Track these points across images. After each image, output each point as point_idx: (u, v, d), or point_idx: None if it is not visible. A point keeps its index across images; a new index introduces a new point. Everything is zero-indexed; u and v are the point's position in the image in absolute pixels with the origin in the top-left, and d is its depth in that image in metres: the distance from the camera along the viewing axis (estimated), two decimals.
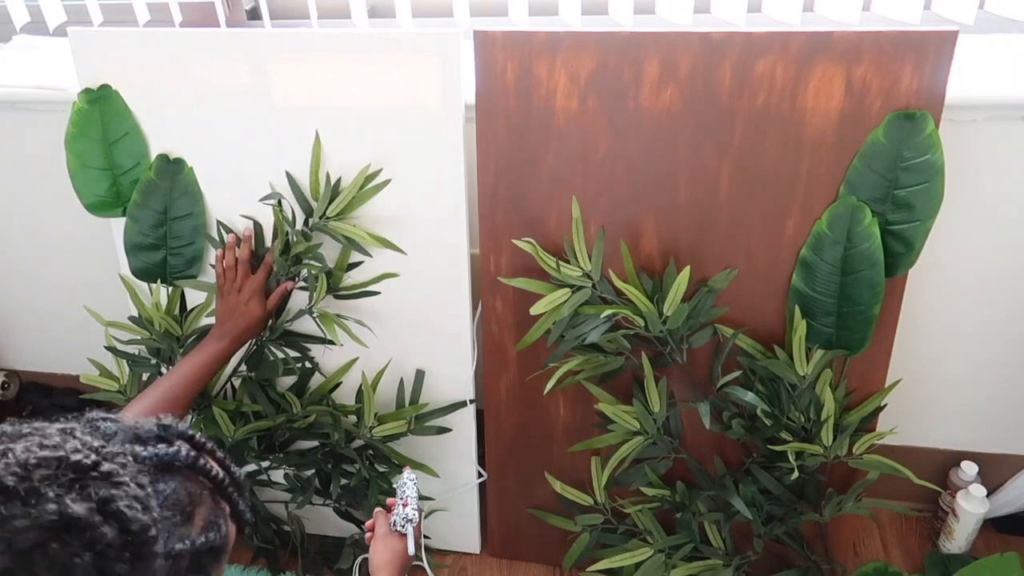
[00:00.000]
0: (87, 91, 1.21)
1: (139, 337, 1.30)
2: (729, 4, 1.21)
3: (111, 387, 1.32)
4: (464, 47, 1.07)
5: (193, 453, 0.62)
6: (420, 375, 1.31)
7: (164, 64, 1.17)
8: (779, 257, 1.13)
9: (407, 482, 1.10)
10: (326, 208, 1.17)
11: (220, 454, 0.66)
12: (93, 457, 0.54)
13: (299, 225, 1.20)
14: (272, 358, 1.28)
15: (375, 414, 1.29)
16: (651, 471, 1.25)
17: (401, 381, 1.31)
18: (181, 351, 1.30)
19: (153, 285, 1.30)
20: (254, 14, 1.54)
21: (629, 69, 1.06)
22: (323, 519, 1.49)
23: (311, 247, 1.18)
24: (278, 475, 1.39)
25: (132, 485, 0.55)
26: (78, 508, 0.51)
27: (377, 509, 1.10)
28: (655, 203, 1.13)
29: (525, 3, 1.27)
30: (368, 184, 1.16)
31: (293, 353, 1.30)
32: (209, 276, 1.29)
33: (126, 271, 1.31)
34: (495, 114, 1.12)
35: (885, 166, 1.04)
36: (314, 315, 1.24)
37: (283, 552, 1.45)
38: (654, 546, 1.26)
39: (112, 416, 0.62)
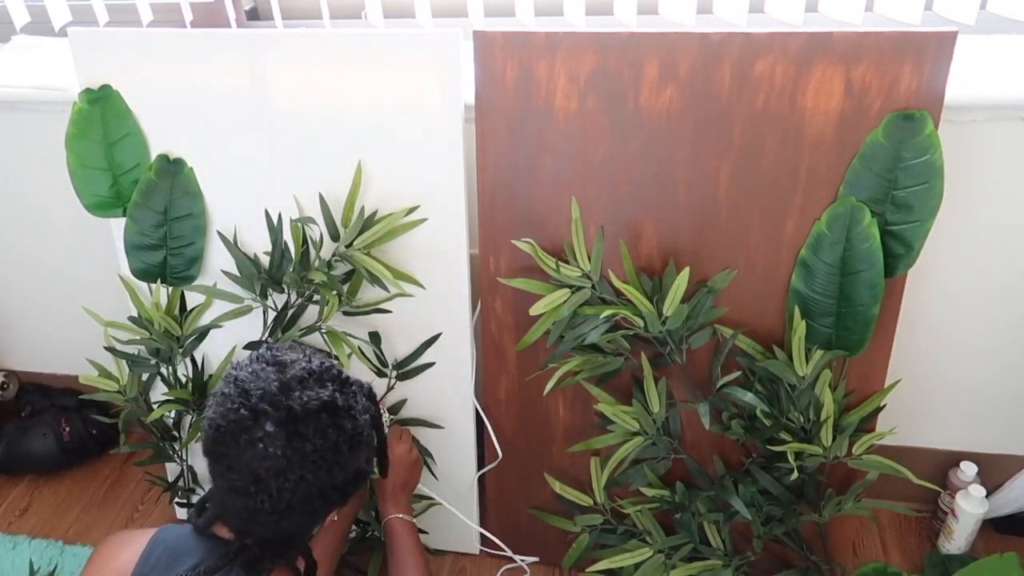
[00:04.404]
0: (88, 91, 1.21)
1: (138, 337, 1.30)
2: (731, 4, 1.21)
3: (110, 387, 1.32)
4: (464, 47, 1.07)
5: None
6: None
7: (164, 64, 1.17)
8: (778, 257, 1.13)
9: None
10: (354, 238, 1.16)
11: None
12: (347, 376, 0.96)
13: (323, 247, 1.19)
14: None
15: None
16: (651, 471, 1.25)
17: None
18: (180, 351, 1.30)
19: (153, 285, 1.30)
20: (254, 14, 1.54)
21: (629, 69, 1.06)
22: None
23: (332, 278, 1.18)
24: None
25: (359, 406, 0.94)
26: (340, 399, 0.91)
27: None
28: (655, 203, 1.13)
29: (531, 3, 1.28)
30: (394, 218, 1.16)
31: None
32: (210, 277, 1.29)
33: (126, 271, 1.31)
34: (495, 114, 1.12)
35: (884, 166, 1.04)
36: (322, 331, 1.24)
37: None
38: (653, 546, 1.26)
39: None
